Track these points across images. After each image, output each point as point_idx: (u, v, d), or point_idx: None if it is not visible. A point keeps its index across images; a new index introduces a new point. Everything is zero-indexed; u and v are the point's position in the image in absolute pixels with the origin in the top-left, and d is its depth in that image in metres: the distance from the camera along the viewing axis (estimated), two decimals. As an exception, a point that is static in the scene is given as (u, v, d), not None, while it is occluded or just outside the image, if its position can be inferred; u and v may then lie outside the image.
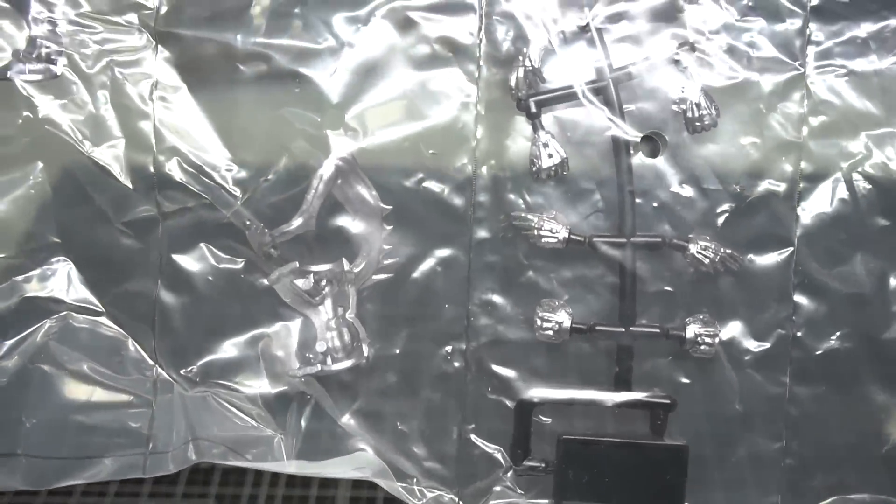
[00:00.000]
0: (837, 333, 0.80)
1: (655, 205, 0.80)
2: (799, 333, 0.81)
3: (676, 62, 0.79)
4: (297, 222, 0.79)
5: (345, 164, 0.79)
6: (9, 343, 0.81)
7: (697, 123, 0.79)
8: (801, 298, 0.80)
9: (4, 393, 0.79)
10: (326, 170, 0.79)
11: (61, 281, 0.82)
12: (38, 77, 0.79)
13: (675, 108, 0.79)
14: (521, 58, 0.79)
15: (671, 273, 0.80)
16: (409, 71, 0.80)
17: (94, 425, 0.79)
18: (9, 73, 0.78)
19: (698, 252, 0.79)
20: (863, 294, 0.80)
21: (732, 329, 0.81)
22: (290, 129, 0.80)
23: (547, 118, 0.80)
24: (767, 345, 0.81)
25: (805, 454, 0.81)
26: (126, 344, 0.82)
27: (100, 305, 0.82)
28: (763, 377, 0.81)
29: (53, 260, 0.81)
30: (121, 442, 0.79)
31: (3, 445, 0.78)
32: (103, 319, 0.82)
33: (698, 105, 0.79)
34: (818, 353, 0.80)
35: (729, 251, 0.79)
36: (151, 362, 0.82)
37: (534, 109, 0.80)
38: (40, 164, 0.80)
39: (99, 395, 0.80)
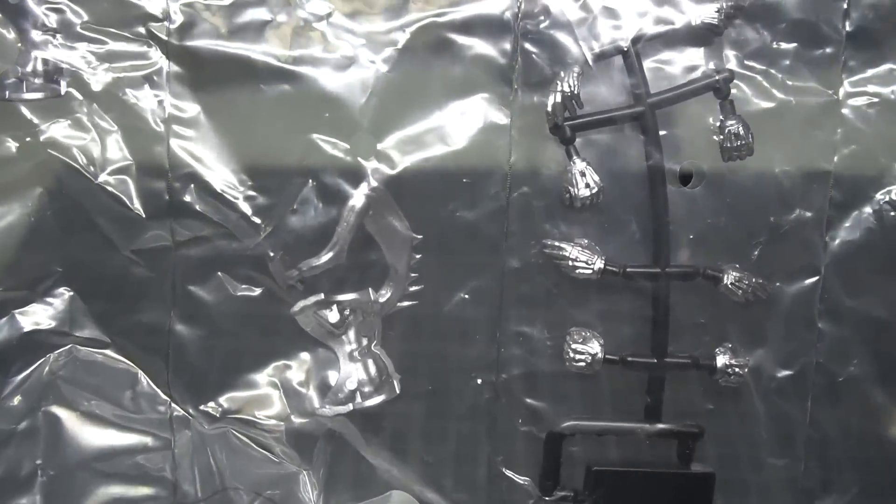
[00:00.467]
0: (858, 360, 0.81)
1: (692, 236, 0.79)
2: (821, 360, 0.81)
3: (716, 89, 0.77)
4: (326, 256, 0.75)
5: (376, 194, 0.75)
6: (14, 380, 0.76)
7: (735, 153, 0.78)
8: (825, 325, 0.81)
9: (17, 444, 0.74)
10: (358, 201, 0.75)
11: (65, 313, 0.77)
12: (39, 96, 0.72)
13: (715, 138, 0.77)
14: (557, 82, 0.76)
15: (700, 301, 0.80)
16: (441, 95, 0.76)
17: (114, 473, 0.75)
18: (7, 94, 0.71)
19: (732, 283, 0.78)
20: (888, 321, 0.82)
21: (758, 356, 0.81)
22: (319, 155, 0.76)
23: (580, 143, 0.77)
24: (791, 371, 0.82)
25: (823, 476, 0.83)
26: (137, 378, 0.78)
27: (106, 337, 0.78)
28: (786, 403, 0.82)
29: (56, 291, 0.77)
30: (146, 493, 0.75)
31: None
32: (110, 352, 0.78)
33: (737, 135, 0.77)
34: (840, 379, 0.82)
35: (760, 281, 0.79)
36: (165, 397, 0.78)
37: (568, 134, 0.77)
38: (39, 190, 0.75)
39: (113, 436, 0.76)
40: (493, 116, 0.77)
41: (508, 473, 0.81)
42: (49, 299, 0.76)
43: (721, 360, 0.80)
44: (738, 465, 0.82)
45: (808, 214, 0.80)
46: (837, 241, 0.80)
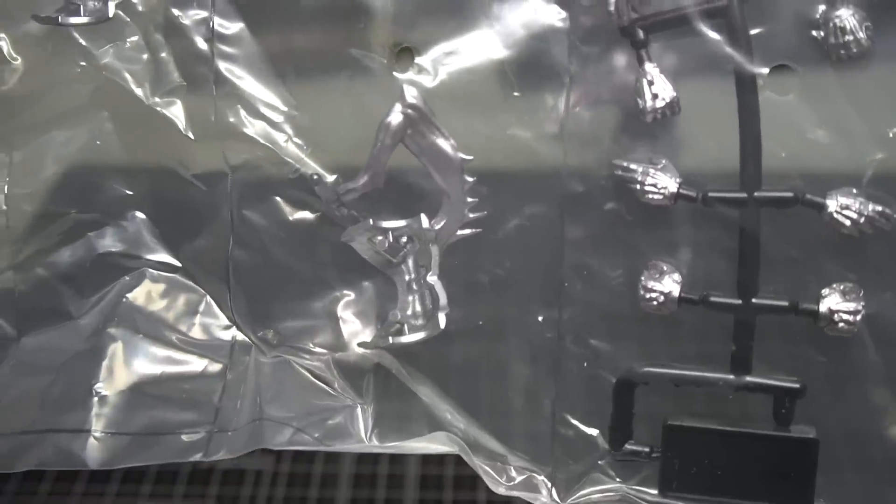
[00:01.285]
0: None
1: (784, 154, 0.66)
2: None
3: (816, -26, 0.63)
4: (362, 179, 0.70)
5: (414, 111, 0.69)
6: (89, 301, 0.78)
7: (842, 51, 0.63)
8: (972, 265, 0.65)
9: (78, 360, 0.77)
10: (393, 118, 0.69)
11: (136, 236, 0.78)
12: (88, 20, 0.73)
13: (813, 32, 0.64)
14: (621, -26, 0.66)
15: (803, 235, 0.67)
16: (488, -2, 0.69)
17: (167, 396, 0.76)
18: (59, 19, 0.73)
19: (838, 211, 0.64)
20: None
21: (880, 302, 0.67)
22: (356, 68, 0.71)
23: (656, 48, 0.66)
24: (925, 321, 0.67)
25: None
26: (203, 303, 0.78)
27: (176, 261, 0.78)
28: (919, 361, 0.67)
29: (127, 214, 0.78)
30: (191, 418, 0.75)
31: (73, 420, 0.75)
32: (179, 276, 0.78)
33: (843, 29, 0.63)
34: None
35: (879, 208, 0.65)
36: (228, 323, 0.78)
37: (640, 37, 0.66)
38: (106, 114, 0.76)
39: (174, 360, 0.77)
40: (547, 18, 0.68)
41: (573, 422, 0.73)
42: (121, 222, 0.78)
43: (826, 303, 0.66)
44: (852, 433, 0.68)
45: (947, 124, 0.64)
46: None
